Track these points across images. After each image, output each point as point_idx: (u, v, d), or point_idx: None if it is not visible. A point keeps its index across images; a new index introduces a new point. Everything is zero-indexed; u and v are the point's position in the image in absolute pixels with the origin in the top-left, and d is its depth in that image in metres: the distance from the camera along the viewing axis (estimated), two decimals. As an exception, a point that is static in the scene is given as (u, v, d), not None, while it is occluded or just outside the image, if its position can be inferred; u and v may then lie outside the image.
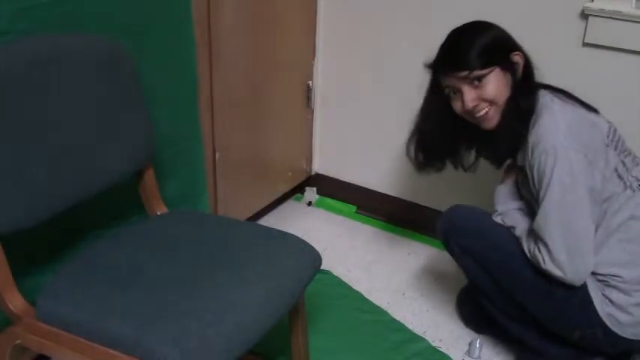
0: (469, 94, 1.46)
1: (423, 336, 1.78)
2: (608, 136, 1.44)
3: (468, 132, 1.57)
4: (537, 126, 1.40)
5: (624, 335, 1.41)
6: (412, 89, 2.17)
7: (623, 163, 1.46)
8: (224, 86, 1.86)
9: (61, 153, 1.20)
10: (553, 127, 1.38)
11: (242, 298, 1.14)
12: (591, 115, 1.46)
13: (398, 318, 1.85)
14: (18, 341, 1.15)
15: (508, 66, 1.47)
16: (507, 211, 1.56)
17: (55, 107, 1.20)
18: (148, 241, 1.33)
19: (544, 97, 1.46)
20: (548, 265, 1.39)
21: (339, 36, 2.26)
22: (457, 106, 1.51)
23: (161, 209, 1.49)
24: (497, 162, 1.64)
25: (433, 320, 1.85)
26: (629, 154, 1.50)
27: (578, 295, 1.42)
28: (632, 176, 1.46)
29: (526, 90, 1.47)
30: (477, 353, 1.71)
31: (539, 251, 1.41)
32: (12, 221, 1.12)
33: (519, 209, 1.55)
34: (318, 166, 2.52)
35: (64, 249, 1.40)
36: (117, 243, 1.33)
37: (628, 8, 1.71)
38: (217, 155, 1.91)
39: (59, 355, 1.14)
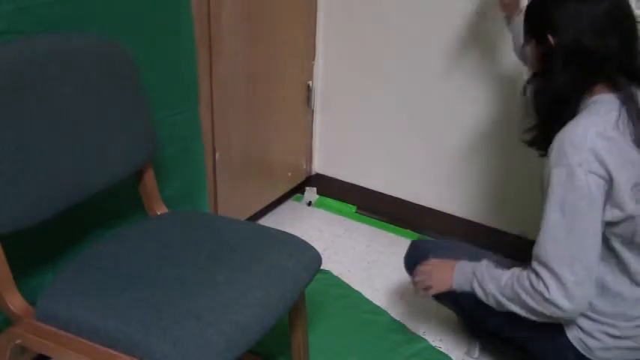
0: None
1: (423, 336, 1.78)
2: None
3: None
4: (564, 130, 1.26)
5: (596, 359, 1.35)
6: (412, 89, 2.17)
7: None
8: (224, 86, 1.86)
9: (61, 153, 1.20)
10: (576, 135, 1.23)
11: (242, 298, 1.14)
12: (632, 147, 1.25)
13: (398, 318, 1.85)
14: (18, 341, 1.15)
15: (542, 44, 1.31)
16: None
17: (55, 107, 1.20)
18: (148, 241, 1.33)
19: (594, 104, 1.27)
20: (554, 295, 1.25)
21: (339, 36, 2.26)
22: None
23: (161, 209, 1.50)
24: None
25: (433, 320, 1.84)
26: None
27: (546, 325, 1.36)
28: None
29: (550, 77, 1.30)
30: (476, 354, 1.71)
31: (542, 281, 1.27)
32: (12, 221, 1.12)
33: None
34: (318, 166, 2.52)
35: (64, 249, 1.40)
36: (117, 243, 1.33)
37: (628, 8, 1.71)
38: (217, 155, 1.91)
39: (59, 355, 1.14)
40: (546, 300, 1.26)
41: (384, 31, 2.16)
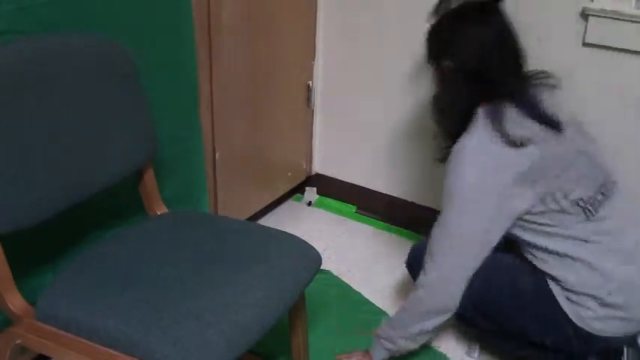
0: None
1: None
2: (529, 172, 1.36)
3: None
4: (455, 151, 1.42)
5: (592, 331, 1.42)
6: (412, 89, 2.17)
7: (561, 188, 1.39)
8: (224, 86, 1.86)
9: (60, 153, 1.20)
10: (466, 152, 1.41)
11: (242, 298, 1.14)
12: (508, 153, 1.37)
13: (398, 318, 1.85)
14: (18, 341, 1.15)
15: (438, 65, 1.49)
16: None
17: (55, 107, 1.19)
18: (148, 241, 1.33)
19: (477, 121, 1.42)
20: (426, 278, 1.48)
21: (339, 36, 2.26)
22: None
23: (161, 209, 1.50)
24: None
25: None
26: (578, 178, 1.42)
27: (542, 298, 1.45)
28: (564, 196, 1.40)
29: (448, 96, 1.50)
30: (476, 353, 1.71)
31: (424, 265, 1.48)
32: (12, 221, 1.12)
33: None
34: (318, 166, 2.52)
35: (64, 249, 1.40)
36: (117, 243, 1.33)
37: (628, 8, 1.71)
38: (217, 155, 1.91)
39: (59, 355, 1.14)
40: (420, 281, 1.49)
41: (384, 31, 2.16)
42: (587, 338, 1.43)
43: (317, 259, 1.33)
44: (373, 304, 1.90)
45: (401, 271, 2.08)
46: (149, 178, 1.47)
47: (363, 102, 2.30)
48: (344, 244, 2.23)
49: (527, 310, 1.48)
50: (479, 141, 1.39)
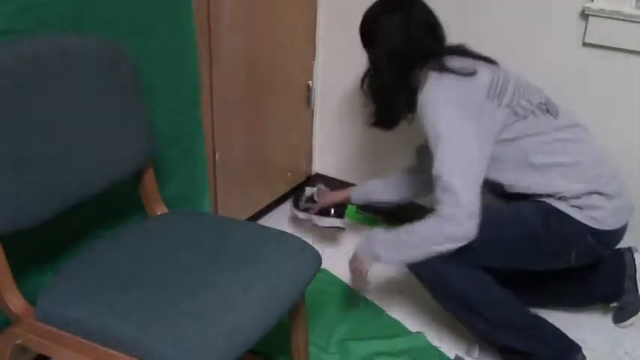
0: None
1: (423, 335, 1.78)
2: (491, 88, 1.52)
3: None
4: (420, 100, 1.53)
5: (608, 228, 1.51)
6: (412, 89, 2.17)
7: (511, 101, 1.53)
8: (224, 86, 1.86)
9: (60, 153, 1.20)
10: (431, 99, 1.52)
11: (242, 298, 1.14)
12: (466, 80, 1.53)
13: (397, 317, 1.85)
14: (18, 341, 1.15)
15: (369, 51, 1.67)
16: None
17: (55, 107, 1.20)
18: (148, 241, 1.33)
19: (428, 78, 1.55)
20: (450, 209, 1.46)
21: (339, 36, 2.26)
22: None
23: (161, 209, 1.50)
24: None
25: (433, 320, 1.84)
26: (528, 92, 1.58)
27: (554, 216, 1.51)
28: (528, 102, 1.55)
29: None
30: (476, 353, 1.71)
31: (441, 200, 1.48)
32: (12, 221, 1.12)
33: None
34: (318, 166, 2.52)
35: (64, 249, 1.40)
36: (117, 243, 1.33)
37: (628, 8, 1.71)
38: (217, 155, 1.91)
39: (59, 355, 1.14)
40: (445, 214, 1.49)
41: (384, 31, 2.15)
42: (606, 238, 1.54)
43: (317, 259, 1.33)
44: (373, 304, 1.90)
45: (401, 270, 2.08)
46: (149, 178, 1.47)
47: (363, 102, 2.29)
48: (344, 244, 2.23)
49: (544, 238, 1.54)
50: (439, 85, 1.52)
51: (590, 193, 1.50)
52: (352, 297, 1.87)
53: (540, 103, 1.56)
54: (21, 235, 1.13)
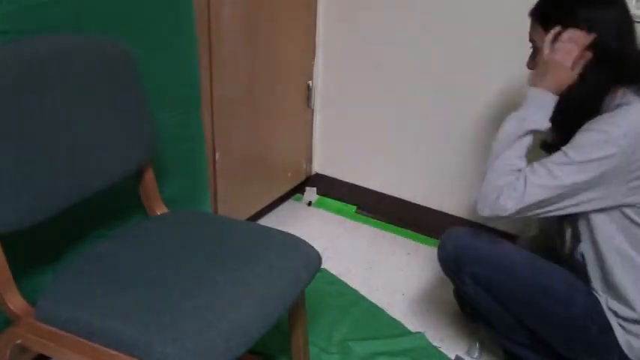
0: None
1: (423, 335, 1.78)
2: None
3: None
4: (615, 113, 1.30)
5: (634, 358, 1.41)
6: (412, 89, 2.17)
7: None
8: (224, 86, 1.86)
9: (60, 153, 1.20)
10: (628, 120, 1.27)
11: (242, 298, 1.14)
12: None
13: (397, 317, 1.85)
14: (18, 341, 1.15)
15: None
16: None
17: (55, 107, 1.20)
18: (148, 241, 1.33)
19: (626, 96, 1.32)
20: (504, 203, 1.34)
21: (339, 36, 2.26)
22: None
23: (161, 209, 1.50)
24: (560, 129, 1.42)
25: (433, 320, 1.85)
26: None
27: (596, 322, 1.41)
28: None
29: (592, 77, 1.35)
30: (476, 353, 1.71)
31: (512, 195, 1.34)
32: (12, 221, 1.12)
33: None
34: (318, 166, 2.52)
35: (64, 249, 1.40)
36: (117, 243, 1.33)
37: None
38: (217, 155, 1.91)
39: (59, 355, 1.14)
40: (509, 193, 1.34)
41: (384, 31, 2.16)
42: None
43: (317, 259, 1.33)
44: (373, 304, 1.90)
45: (401, 271, 2.08)
46: (149, 178, 1.47)
47: (363, 102, 2.30)
48: (344, 244, 2.23)
49: (575, 330, 1.43)
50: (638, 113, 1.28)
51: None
52: None
53: None
54: (21, 235, 1.13)
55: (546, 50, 1.37)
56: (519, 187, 1.34)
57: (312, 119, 2.42)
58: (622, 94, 1.33)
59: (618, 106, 1.31)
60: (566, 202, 1.34)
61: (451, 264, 1.53)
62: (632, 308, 1.39)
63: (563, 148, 1.33)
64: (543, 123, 1.38)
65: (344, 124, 2.38)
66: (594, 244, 1.40)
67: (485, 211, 1.38)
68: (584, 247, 1.42)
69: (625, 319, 1.40)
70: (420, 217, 2.30)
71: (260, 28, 1.98)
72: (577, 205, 1.34)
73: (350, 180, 2.45)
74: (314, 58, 2.31)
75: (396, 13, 2.11)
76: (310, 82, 2.32)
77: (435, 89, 2.13)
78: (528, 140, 1.39)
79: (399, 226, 2.35)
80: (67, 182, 1.22)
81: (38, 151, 1.15)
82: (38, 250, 1.34)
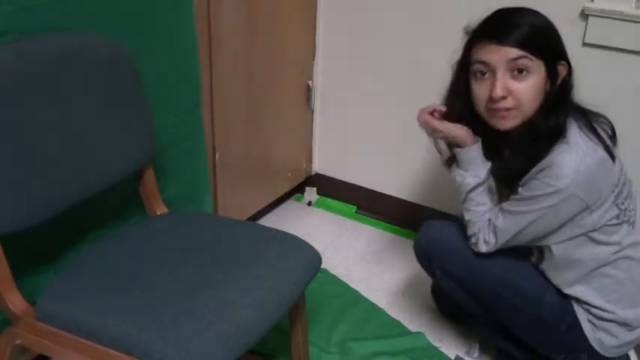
0: (503, 81, 1.30)
1: (423, 336, 1.78)
2: (617, 184, 1.35)
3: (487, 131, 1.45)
4: (558, 154, 1.30)
5: (607, 355, 1.43)
6: (412, 89, 2.17)
7: (622, 202, 1.38)
8: (224, 86, 1.86)
9: (60, 153, 1.20)
10: (571, 166, 1.28)
11: (242, 298, 1.14)
12: (609, 162, 1.32)
13: (397, 317, 1.85)
14: (18, 341, 1.15)
15: (551, 71, 1.34)
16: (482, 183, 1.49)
17: (55, 107, 1.19)
18: (148, 242, 1.33)
19: (572, 126, 1.33)
20: (480, 247, 1.45)
21: (339, 36, 2.26)
22: (480, 89, 1.36)
23: (161, 209, 1.50)
24: (505, 181, 1.45)
25: (433, 320, 1.85)
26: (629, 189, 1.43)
27: (566, 320, 1.43)
28: (629, 210, 1.41)
29: (559, 109, 1.34)
30: (476, 353, 1.71)
31: (485, 239, 1.44)
32: (12, 221, 1.12)
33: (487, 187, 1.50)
34: (318, 166, 2.52)
35: (64, 249, 1.40)
36: (117, 243, 1.33)
37: (628, 8, 1.71)
38: (217, 155, 1.91)
39: (59, 355, 1.14)
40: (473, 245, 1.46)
41: (384, 31, 2.16)
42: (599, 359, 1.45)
43: (317, 259, 1.33)
44: (373, 304, 1.90)
45: (401, 271, 2.08)
46: (149, 178, 1.47)
47: (363, 102, 2.30)
48: (344, 244, 2.23)
49: (544, 328, 1.46)
50: (586, 147, 1.30)
51: (616, 322, 1.41)
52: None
53: (628, 209, 1.39)
54: (21, 235, 1.13)
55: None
56: (489, 233, 1.44)
57: (312, 119, 2.41)
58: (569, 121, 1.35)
59: (568, 137, 1.32)
60: (540, 226, 1.37)
61: (422, 257, 1.61)
62: (603, 310, 1.41)
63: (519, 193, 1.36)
64: (480, 176, 1.46)
65: (344, 124, 2.38)
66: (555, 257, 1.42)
67: (476, 250, 1.48)
68: (546, 265, 1.46)
69: (596, 317, 1.42)
70: (420, 217, 2.30)
71: (260, 28, 1.98)
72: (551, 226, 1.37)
73: (350, 180, 2.45)
74: (314, 58, 2.31)
75: (396, 13, 2.11)
76: (310, 82, 2.32)
77: (436, 89, 2.12)
78: (480, 189, 1.47)
79: (399, 226, 2.35)
80: (66, 182, 1.22)
81: (38, 152, 1.15)
82: (38, 250, 1.34)
